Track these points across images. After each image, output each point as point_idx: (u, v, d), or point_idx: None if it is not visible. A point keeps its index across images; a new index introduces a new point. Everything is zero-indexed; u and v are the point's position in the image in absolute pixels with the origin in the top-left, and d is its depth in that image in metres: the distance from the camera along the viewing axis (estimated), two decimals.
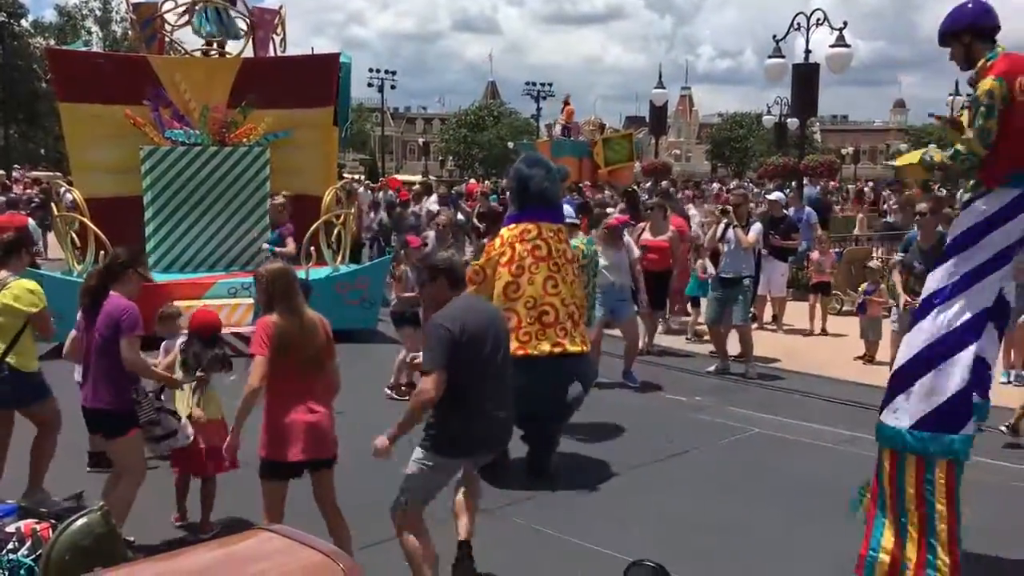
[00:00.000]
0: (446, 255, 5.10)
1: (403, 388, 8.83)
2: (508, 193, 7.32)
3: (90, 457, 6.82)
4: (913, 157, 6.00)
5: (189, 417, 5.61)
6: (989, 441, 6.65)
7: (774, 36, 19.39)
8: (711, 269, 10.39)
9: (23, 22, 51.14)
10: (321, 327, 4.68)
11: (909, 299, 8.14)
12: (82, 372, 5.36)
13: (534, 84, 67.55)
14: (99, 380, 5.16)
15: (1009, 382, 9.41)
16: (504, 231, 6.82)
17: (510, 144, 53.38)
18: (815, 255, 12.91)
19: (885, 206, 21.28)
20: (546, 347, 6.50)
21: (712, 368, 10.10)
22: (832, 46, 18.49)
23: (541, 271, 6.57)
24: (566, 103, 25.61)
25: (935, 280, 4.64)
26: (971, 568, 4.66)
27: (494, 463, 5.77)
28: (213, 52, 13.90)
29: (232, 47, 14.17)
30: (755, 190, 26.48)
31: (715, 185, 36.98)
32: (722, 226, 10.02)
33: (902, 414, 4.48)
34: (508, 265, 6.59)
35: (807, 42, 19.21)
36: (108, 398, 5.14)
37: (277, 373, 4.50)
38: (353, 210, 13.67)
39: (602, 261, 9.47)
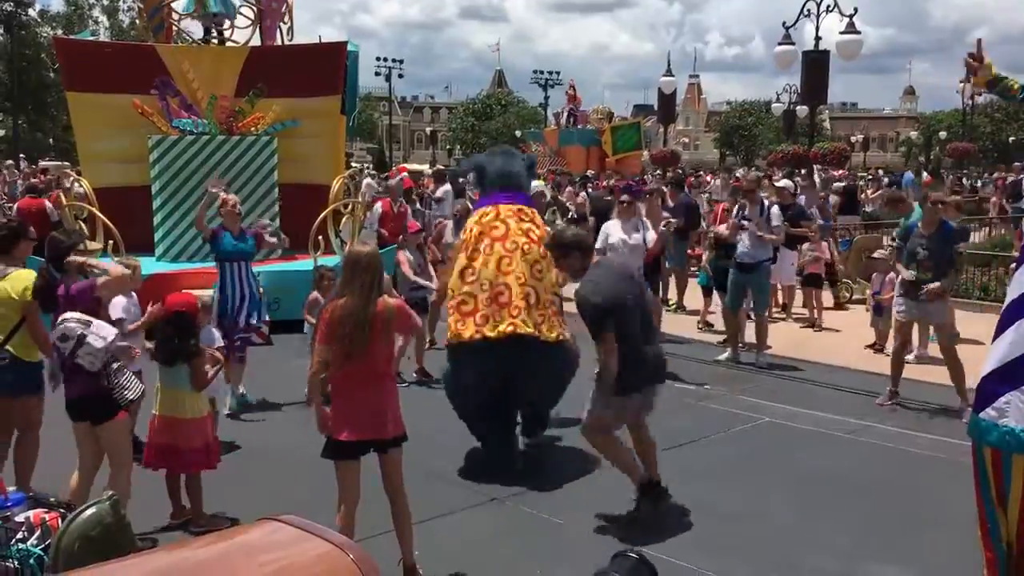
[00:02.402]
0: (574, 230, 5.84)
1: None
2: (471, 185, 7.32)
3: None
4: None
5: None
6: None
7: (784, 23, 19.27)
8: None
9: (30, 11, 51.18)
10: (381, 311, 4.59)
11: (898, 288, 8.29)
12: (60, 365, 5.25)
13: (541, 72, 67.54)
14: (76, 368, 5.09)
15: None
16: (469, 220, 6.88)
17: (518, 132, 53.50)
18: (805, 246, 12.70)
19: (862, 196, 20.93)
20: (504, 327, 6.24)
21: (723, 356, 10.05)
22: (842, 33, 18.38)
23: (496, 251, 6.42)
24: (572, 91, 25.69)
25: None
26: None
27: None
28: (214, 39, 13.89)
29: (239, 36, 14.18)
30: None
31: (742, 171, 36.42)
32: (736, 211, 9.96)
33: (1013, 411, 4.32)
34: (464, 250, 6.55)
35: (817, 29, 19.14)
36: (87, 383, 5.07)
37: (336, 354, 4.59)
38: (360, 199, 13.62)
39: (613, 239, 9.43)
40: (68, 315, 5.05)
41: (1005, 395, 4.24)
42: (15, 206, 15.14)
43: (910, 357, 9.40)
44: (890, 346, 10.11)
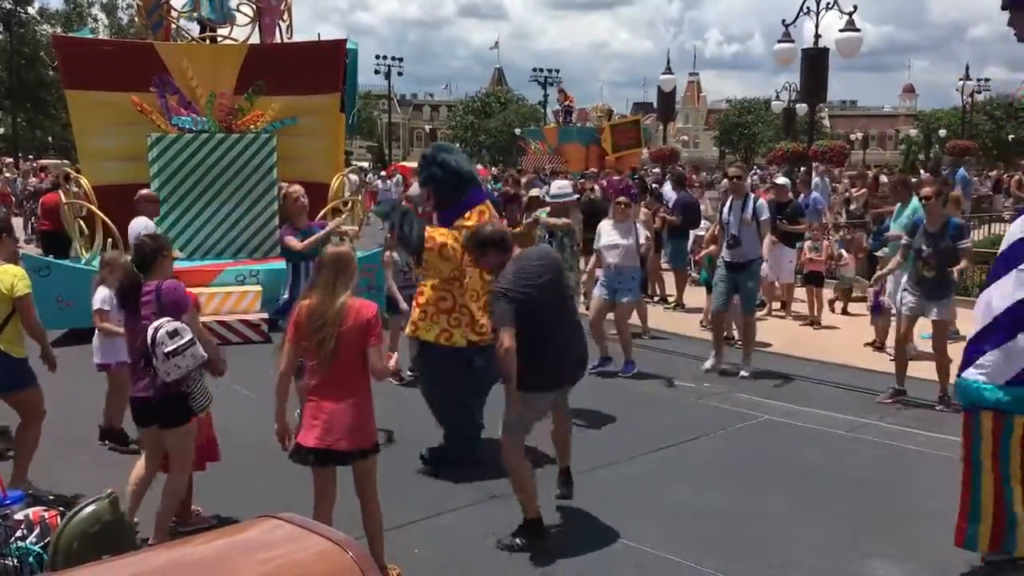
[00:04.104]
0: (492, 227, 5.66)
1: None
2: (433, 187, 6.72)
3: (100, 432, 6.90)
4: None
5: None
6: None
7: (783, 20, 19.26)
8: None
9: (30, 9, 51.14)
10: (352, 313, 4.50)
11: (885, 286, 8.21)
12: (132, 367, 5.28)
13: (541, 70, 67.60)
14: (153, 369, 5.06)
15: None
16: (461, 221, 6.53)
17: (517, 130, 53.41)
18: (807, 244, 12.59)
19: (847, 194, 20.43)
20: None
21: (707, 365, 9.61)
22: (842, 30, 18.36)
23: None
24: (562, 95, 25.83)
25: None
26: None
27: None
28: (219, 38, 13.90)
29: (238, 34, 14.17)
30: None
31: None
32: (721, 207, 9.78)
33: (991, 371, 4.36)
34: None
35: (816, 26, 19.09)
36: (165, 386, 5.04)
37: (306, 355, 4.57)
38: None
39: (605, 241, 9.37)
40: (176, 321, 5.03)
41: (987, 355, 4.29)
42: (40, 202, 15.31)
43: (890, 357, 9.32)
44: (889, 344, 10.02)
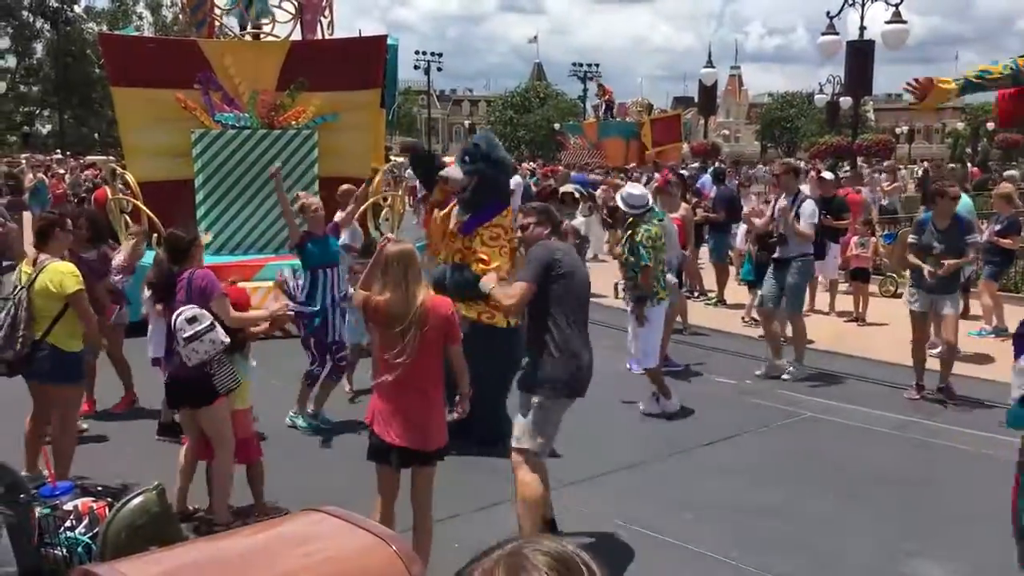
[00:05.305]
0: (547, 207, 5.63)
1: None
2: (480, 181, 6.65)
3: (160, 427, 7.01)
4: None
5: None
6: None
7: (827, 12, 19.02)
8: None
9: (76, 7, 52.08)
10: (431, 311, 4.44)
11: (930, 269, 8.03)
12: (166, 350, 5.62)
13: (580, 65, 67.33)
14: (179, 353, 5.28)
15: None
16: (499, 219, 6.74)
17: (556, 126, 53.41)
18: (853, 240, 12.35)
19: (879, 189, 19.64)
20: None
21: (760, 371, 9.25)
22: (888, 22, 18.08)
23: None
24: (600, 90, 25.77)
25: None
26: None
27: None
28: (261, 35, 14.04)
29: (280, 30, 14.29)
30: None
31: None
32: (771, 205, 9.67)
33: None
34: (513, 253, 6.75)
35: (862, 18, 18.88)
36: (189, 368, 5.23)
37: (383, 350, 4.51)
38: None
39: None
40: (200, 308, 5.24)
41: None
42: (93, 196, 15.60)
43: (935, 352, 9.14)
44: (935, 341, 9.84)
